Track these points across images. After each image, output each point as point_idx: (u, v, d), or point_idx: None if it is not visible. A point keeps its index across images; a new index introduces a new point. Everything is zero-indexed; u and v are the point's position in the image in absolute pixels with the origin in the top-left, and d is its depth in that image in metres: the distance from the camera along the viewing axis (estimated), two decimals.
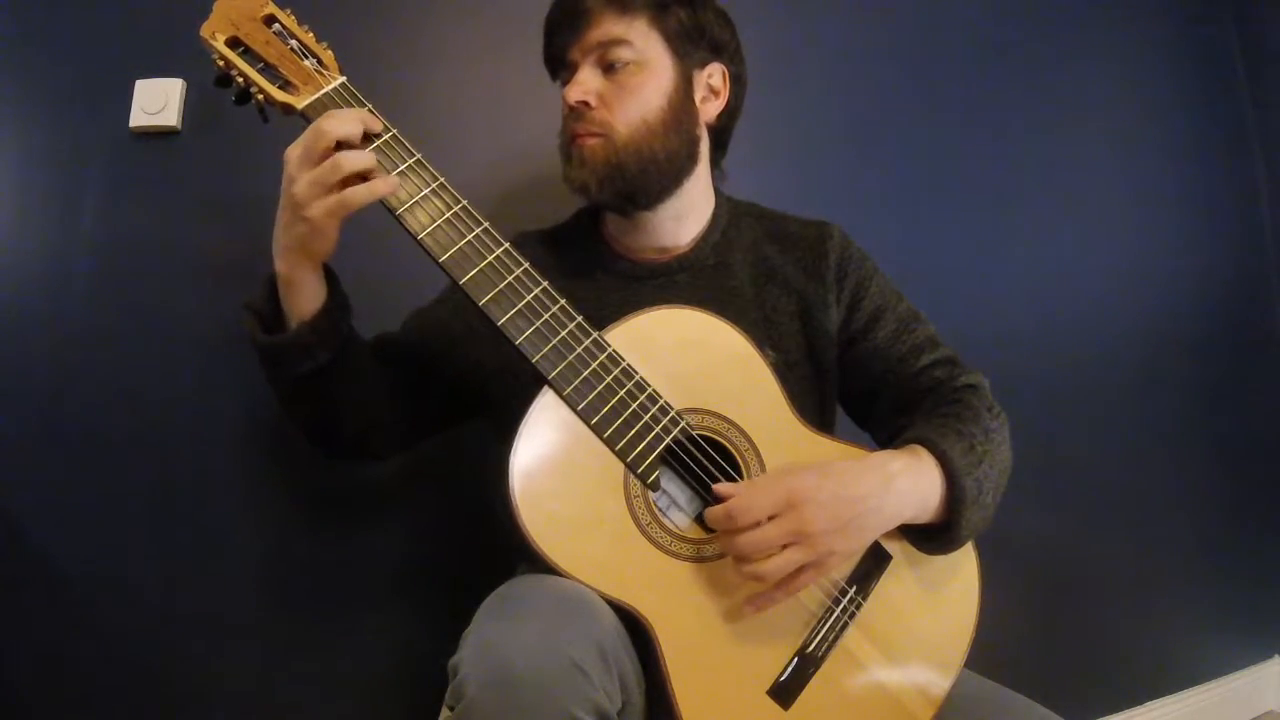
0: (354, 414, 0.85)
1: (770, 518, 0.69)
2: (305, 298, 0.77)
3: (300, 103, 0.74)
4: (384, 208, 0.73)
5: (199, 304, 1.10)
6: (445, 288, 0.96)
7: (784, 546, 0.69)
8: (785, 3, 1.40)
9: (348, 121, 0.71)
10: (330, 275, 0.80)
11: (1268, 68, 1.73)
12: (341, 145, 0.71)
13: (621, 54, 0.84)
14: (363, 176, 0.72)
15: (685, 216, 0.92)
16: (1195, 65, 1.73)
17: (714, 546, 0.74)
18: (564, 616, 0.62)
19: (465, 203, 0.75)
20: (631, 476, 0.72)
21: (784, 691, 0.73)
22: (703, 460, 0.76)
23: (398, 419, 0.90)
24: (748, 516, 0.69)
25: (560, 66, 0.89)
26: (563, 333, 0.73)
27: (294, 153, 0.72)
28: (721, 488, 0.73)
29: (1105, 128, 1.59)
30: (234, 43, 0.75)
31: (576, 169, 0.85)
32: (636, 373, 0.74)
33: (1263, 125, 1.74)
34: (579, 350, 0.73)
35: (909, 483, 0.75)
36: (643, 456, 0.73)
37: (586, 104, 0.84)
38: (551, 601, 0.64)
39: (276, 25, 0.77)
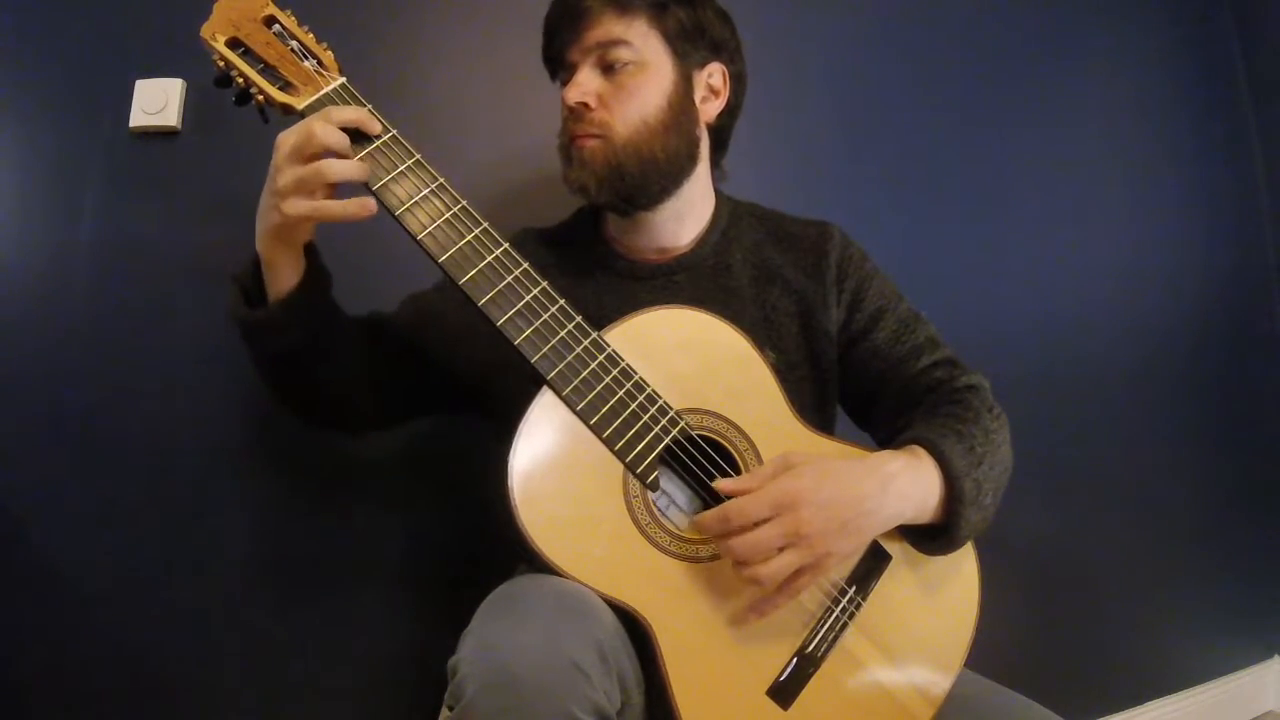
0: (329, 392, 0.86)
1: (767, 519, 0.69)
2: (282, 277, 0.78)
3: (300, 103, 0.74)
4: (383, 208, 0.73)
5: (199, 304, 1.10)
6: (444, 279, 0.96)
7: (780, 549, 0.69)
8: (785, 1, 1.40)
9: (340, 129, 0.71)
10: (311, 253, 0.80)
11: (1268, 68, 1.73)
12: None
13: (621, 54, 0.84)
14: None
15: (685, 216, 0.92)
16: (1195, 65, 1.73)
17: (713, 547, 0.74)
18: (564, 617, 0.62)
19: (464, 203, 0.75)
20: (631, 477, 0.72)
21: (783, 691, 0.73)
22: (702, 461, 0.76)
23: (376, 400, 0.90)
24: (742, 519, 0.69)
25: (560, 67, 0.89)
26: (562, 333, 0.73)
27: (286, 143, 0.71)
28: (722, 483, 0.73)
29: (1105, 128, 1.59)
30: (234, 43, 0.75)
31: (576, 170, 0.85)
32: (635, 373, 0.74)
33: (1263, 125, 1.74)
34: (578, 350, 0.73)
35: (908, 483, 0.75)
36: (642, 457, 0.73)
37: (586, 105, 0.84)
38: (551, 602, 0.64)
39: (277, 26, 0.77)
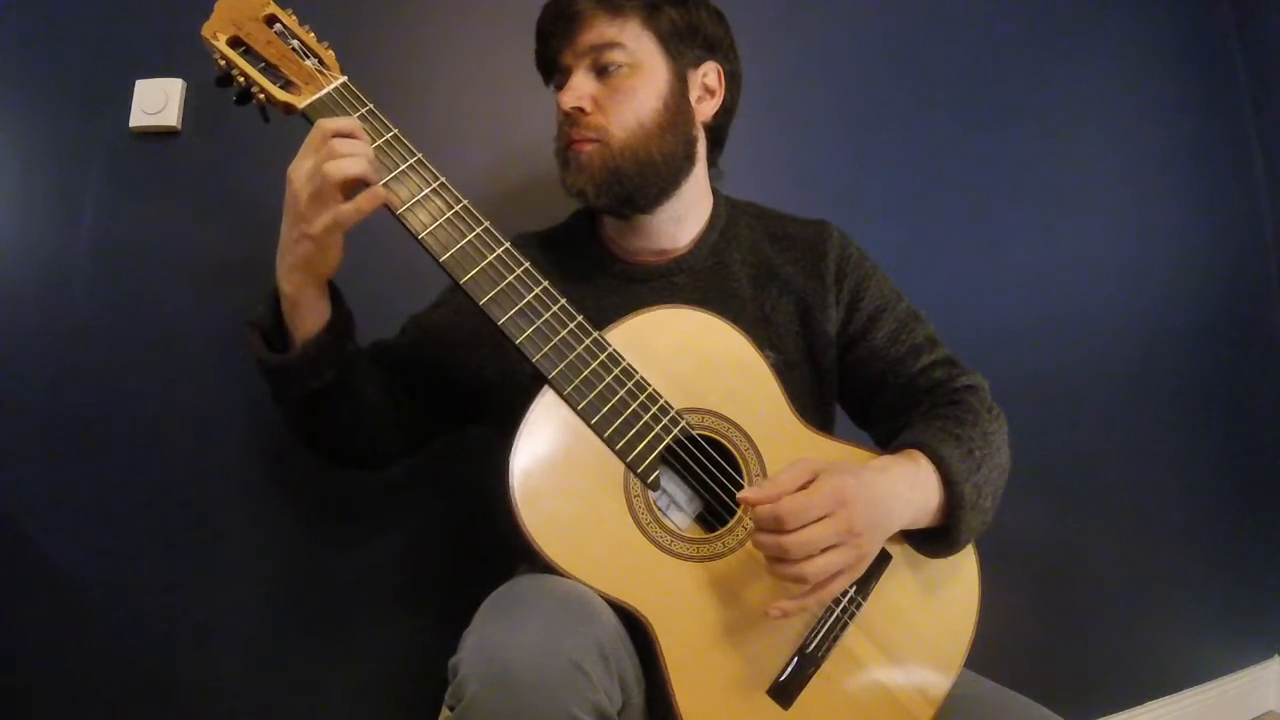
0: (358, 428, 0.85)
1: (821, 518, 0.66)
2: (310, 316, 0.77)
3: (301, 102, 0.74)
4: (385, 207, 0.73)
5: (199, 304, 1.10)
6: (442, 291, 0.96)
7: (830, 546, 0.66)
8: (784, 1, 1.40)
9: (360, 161, 0.70)
10: (334, 291, 0.80)
11: (1268, 68, 1.73)
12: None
13: (614, 56, 0.83)
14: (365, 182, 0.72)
15: (683, 218, 0.92)
16: (1195, 65, 1.73)
17: (714, 546, 0.74)
18: (564, 616, 0.62)
19: (466, 202, 0.75)
20: (631, 476, 0.72)
21: (784, 691, 0.73)
22: (703, 460, 0.76)
23: (399, 429, 0.90)
24: (802, 517, 0.66)
25: (554, 71, 0.89)
26: (563, 332, 0.73)
27: (300, 170, 0.71)
28: (747, 494, 0.68)
29: (1105, 128, 1.59)
30: (235, 42, 0.75)
31: (573, 175, 0.85)
32: (636, 372, 0.74)
33: (1263, 125, 1.74)
34: (579, 350, 0.73)
35: (906, 486, 0.75)
36: (643, 456, 0.73)
37: (581, 109, 0.83)
38: (551, 601, 0.64)
39: (278, 25, 0.77)
